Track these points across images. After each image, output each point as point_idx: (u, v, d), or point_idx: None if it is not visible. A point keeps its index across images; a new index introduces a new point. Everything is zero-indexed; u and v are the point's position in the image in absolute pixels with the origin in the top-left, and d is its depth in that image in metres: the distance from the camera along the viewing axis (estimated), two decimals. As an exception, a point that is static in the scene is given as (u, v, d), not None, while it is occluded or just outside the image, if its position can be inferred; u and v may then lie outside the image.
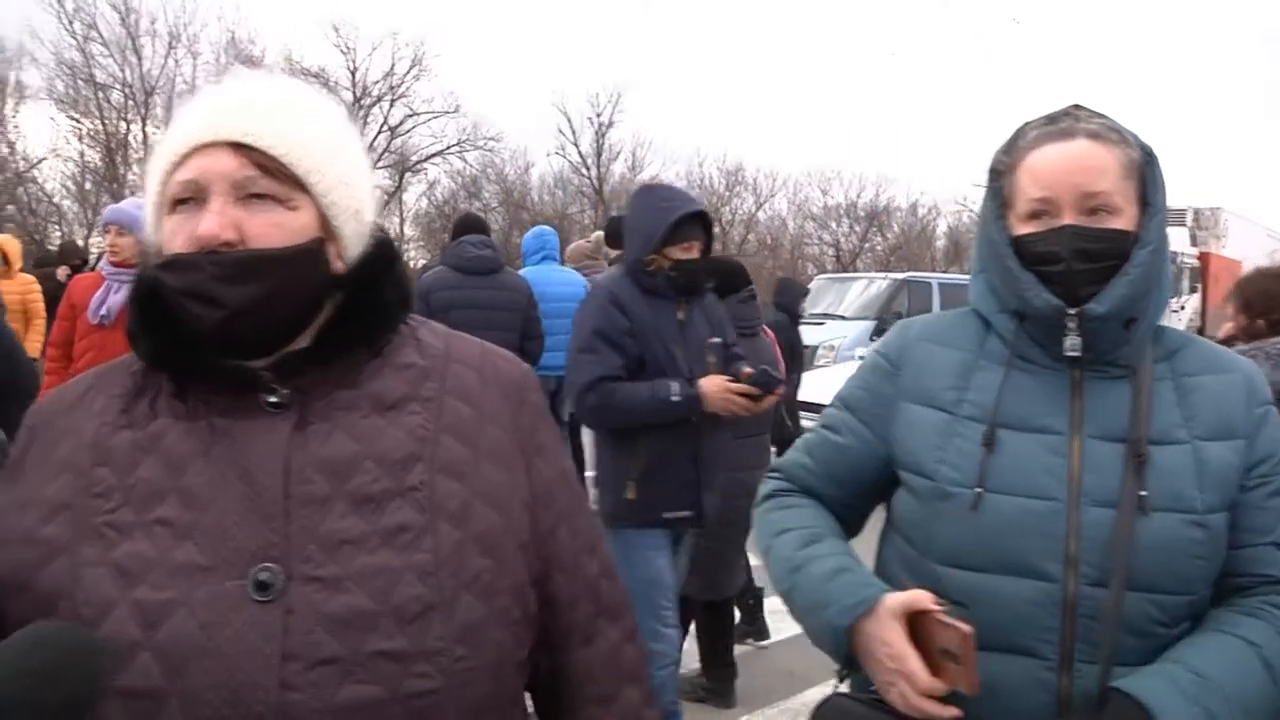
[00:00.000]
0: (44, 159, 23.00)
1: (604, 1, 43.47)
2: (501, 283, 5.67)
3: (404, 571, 1.01)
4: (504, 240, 27.70)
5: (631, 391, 3.21)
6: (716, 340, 3.40)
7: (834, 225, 36.24)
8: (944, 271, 26.35)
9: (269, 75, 1.20)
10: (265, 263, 1.04)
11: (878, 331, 13.15)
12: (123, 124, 23.76)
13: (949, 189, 35.06)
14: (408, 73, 26.56)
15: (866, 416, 1.59)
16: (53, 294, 7.36)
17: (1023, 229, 1.46)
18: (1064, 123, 1.46)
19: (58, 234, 22.22)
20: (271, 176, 1.06)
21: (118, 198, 23.20)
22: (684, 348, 3.33)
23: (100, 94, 23.25)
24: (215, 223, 1.02)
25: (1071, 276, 1.42)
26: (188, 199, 1.06)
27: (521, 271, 6.43)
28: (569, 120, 29.83)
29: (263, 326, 1.06)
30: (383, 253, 1.16)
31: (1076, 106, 1.49)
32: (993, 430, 1.44)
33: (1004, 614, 1.39)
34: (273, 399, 1.06)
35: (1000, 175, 1.51)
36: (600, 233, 7.33)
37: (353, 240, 1.13)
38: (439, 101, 27.78)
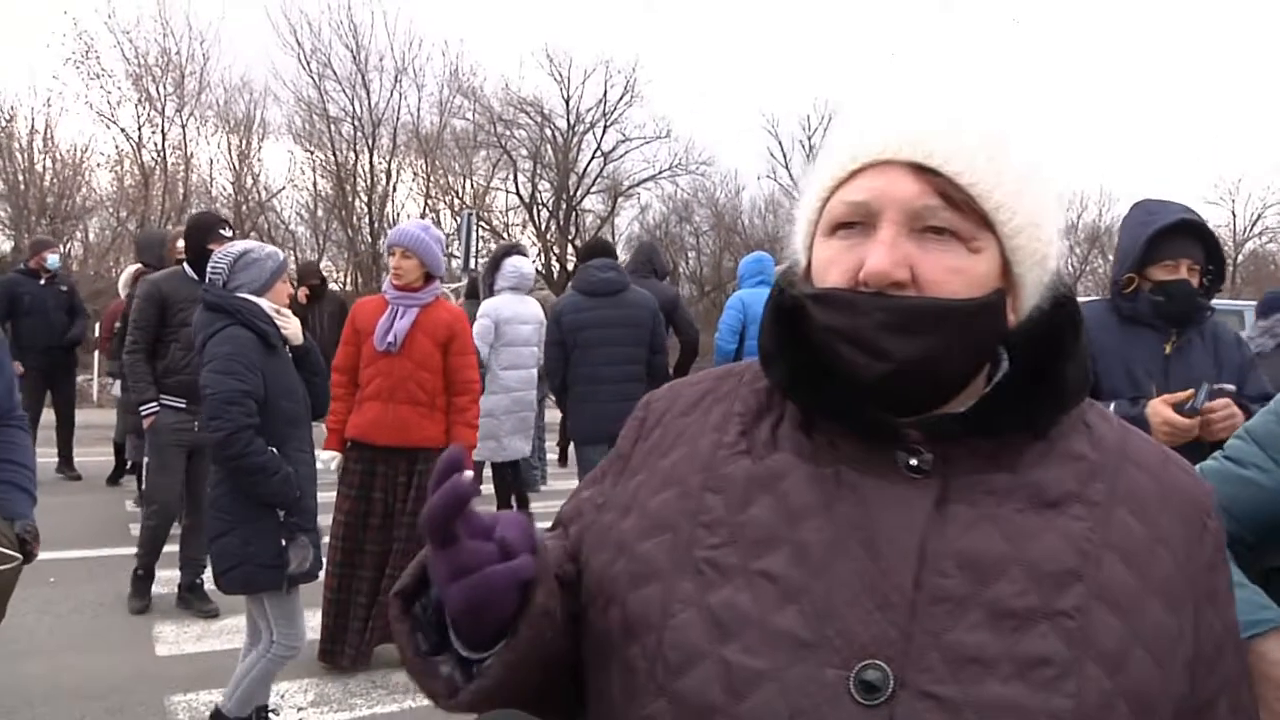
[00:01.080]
0: (282, 189, 24.66)
1: (812, 24, 43.01)
2: (627, 301, 5.93)
3: (1037, 715, 0.81)
4: (715, 263, 27.78)
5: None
6: (1221, 386, 2.73)
7: (1052, 247, 34.55)
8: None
9: (958, 84, 0.99)
10: (944, 315, 0.89)
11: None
12: (352, 155, 25.15)
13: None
14: (620, 99, 26.77)
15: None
16: (295, 313, 7.75)
17: None
18: None
19: (292, 258, 23.66)
20: (956, 210, 0.90)
21: (346, 224, 24.77)
22: (1166, 388, 2.77)
23: (333, 127, 24.71)
24: (887, 258, 0.88)
25: None
26: (853, 223, 0.93)
27: (736, 294, 6.95)
28: (779, 143, 29.51)
29: (926, 385, 0.91)
30: (1070, 317, 0.97)
31: None
32: None
33: None
34: (913, 461, 0.91)
35: None
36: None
37: (1032, 291, 0.96)
38: (650, 127, 27.76)
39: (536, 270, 8.36)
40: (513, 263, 7.10)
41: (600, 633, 0.97)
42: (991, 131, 0.93)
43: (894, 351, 0.88)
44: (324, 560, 4.27)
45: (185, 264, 5.55)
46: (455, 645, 0.91)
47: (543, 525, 1.00)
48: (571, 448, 7.43)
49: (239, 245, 4.03)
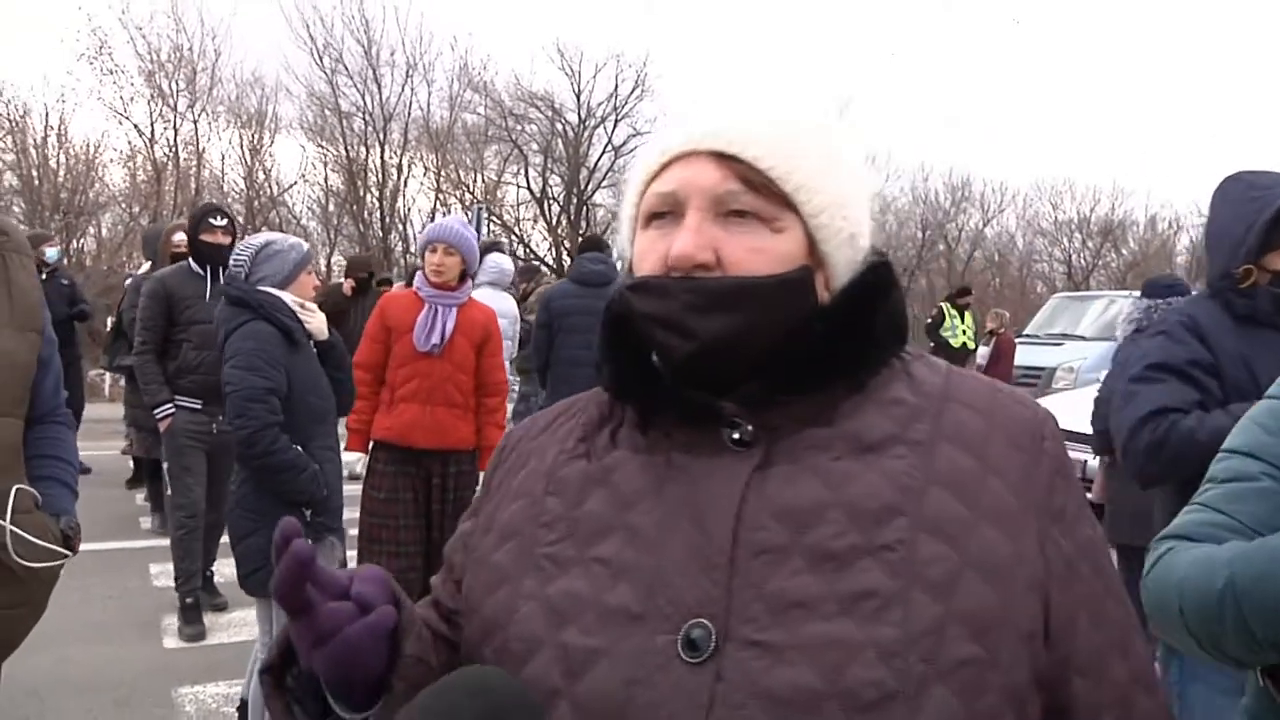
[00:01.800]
0: (294, 184, 24.74)
1: (823, 17, 42.98)
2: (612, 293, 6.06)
3: (863, 647, 0.83)
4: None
5: (1216, 425, 2.17)
6: None
7: (1065, 241, 34.39)
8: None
9: (760, 86, 1.07)
10: (745, 292, 0.93)
11: (1122, 352, 12.39)
12: (363, 150, 25.21)
13: (1191, 201, 32.70)
14: (631, 93, 26.73)
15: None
16: (334, 308, 7.72)
17: None
18: None
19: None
20: (756, 193, 0.95)
21: (358, 219, 24.84)
22: None
23: (344, 122, 24.76)
24: (691, 242, 0.93)
25: None
26: (664, 213, 0.98)
27: None
28: (788, 136, 29.50)
29: (735, 361, 0.95)
30: (879, 278, 1.01)
31: None
32: None
33: None
34: (736, 435, 0.95)
35: None
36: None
37: (844, 269, 1.00)
38: (661, 121, 27.81)
39: (546, 264, 8.50)
40: (493, 259, 7.20)
41: (466, 642, 1.02)
42: (789, 121, 1.00)
43: (699, 330, 0.93)
44: (348, 561, 4.23)
45: (190, 259, 5.43)
46: (336, 710, 0.93)
47: None
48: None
49: (261, 237, 3.91)
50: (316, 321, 3.84)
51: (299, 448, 3.61)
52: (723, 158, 0.96)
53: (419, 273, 4.70)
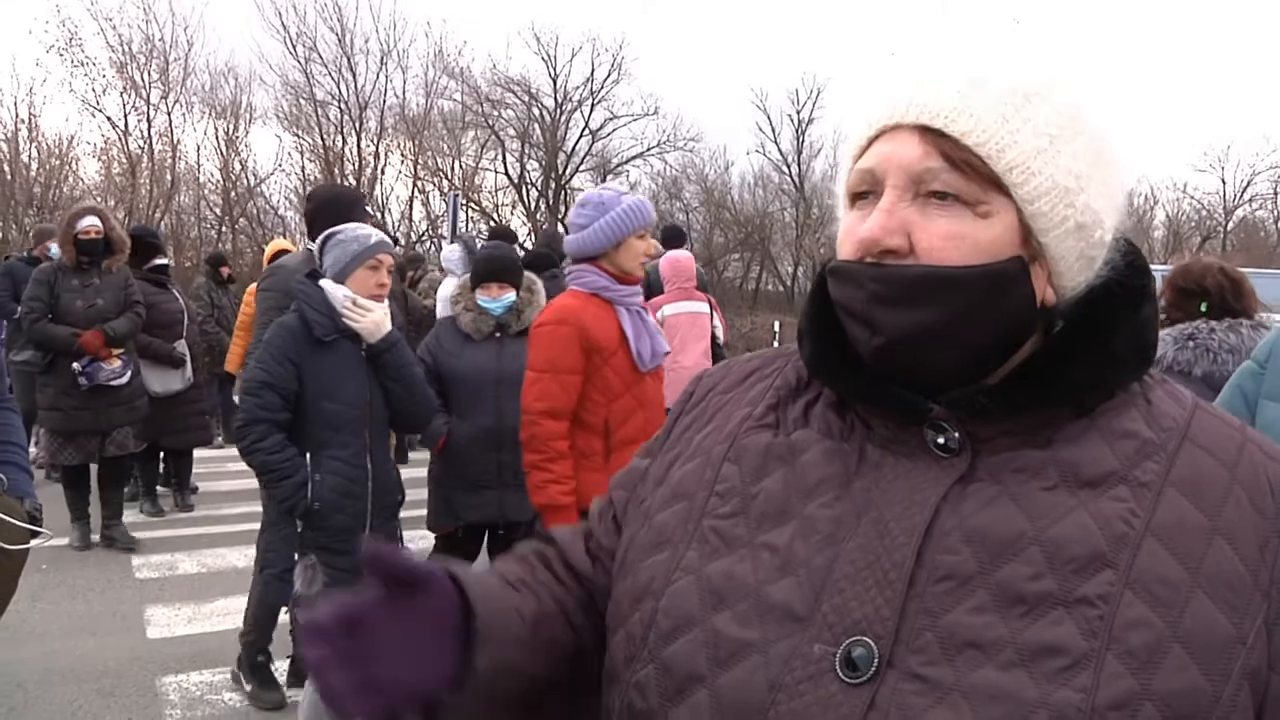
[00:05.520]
0: (270, 174, 24.60)
1: (802, 7, 42.92)
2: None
3: (1037, 709, 0.74)
4: (706, 240, 27.75)
5: None
6: None
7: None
8: (1164, 263, 24.72)
9: (988, 37, 0.91)
10: (937, 283, 0.82)
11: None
12: (339, 138, 25.10)
13: (1166, 174, 32.95)
14: (607, 77, 26.69)
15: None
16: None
17: None
18: None
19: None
20: (959, 171, 0.83)
21: (335, 208, 24.62)
22: None
23: (320, 111, 24.64)
24: (879, 224, 0.84)
25: None
26: (865, 193, 0.88)
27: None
28: (768, 118, 29.36)
29: (936, 359, 0.85)
30: (1125, 287, 0.89)
31: None
32: None
33: None
34: (941, 440, 0.86)
35: None
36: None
37: (1072, 265, 0.87)
38: (638, 104, 27.55)
39: (525, 249, 8.55)
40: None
41: (615, 600, 0.96)
42: (1012, 88, 0.85)
43: (883, 324, 0.84)
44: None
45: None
46: None
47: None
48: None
49: (342, 225, 3.63)
50: (366, 322, 3.48)
51: (301, 453, 3.48)
52: (927, 131, 0.84)
53: (592, 273, 3.29)
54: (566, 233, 3.47)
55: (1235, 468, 0.84)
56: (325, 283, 3.46)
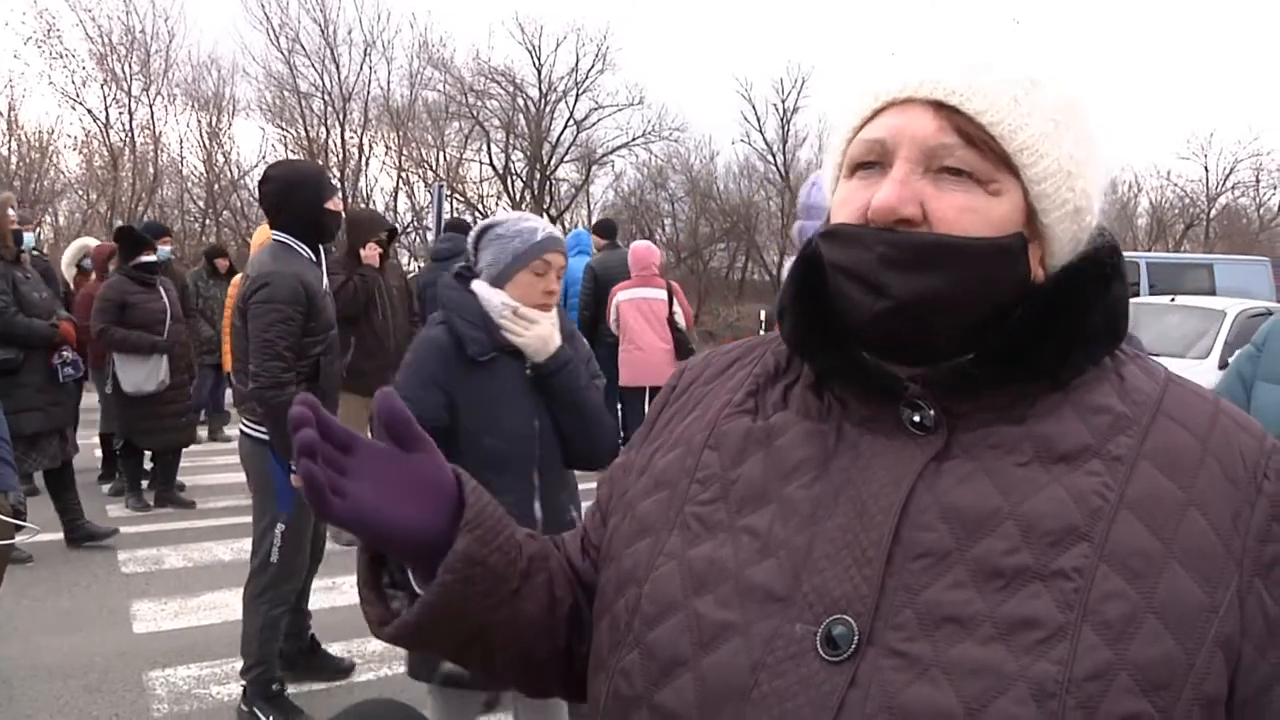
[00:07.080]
0: (255, 166, 24.47)
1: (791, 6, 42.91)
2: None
3: (1016, 680, 0.75)
4: (691, 229, 27.74)
5: None
6: None
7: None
8: (1148, 250, 24.83)
9: (998, 22, 0.93)
10: (954, 252, 0.83)
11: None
12: (323, 130, 24.98)
13: (1150, 162, 33.15)
14: (592, 67, 26.55)
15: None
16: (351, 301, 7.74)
17: None
18: None
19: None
20: (974, 149, 0.84)
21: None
22: None
23: (303, 103, 24.52)
24: (895, 193, 0.84)
25: None
26: (871, 163, 0.88)
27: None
28: (753, 107, 29.35)
29: (928, 329, 0.86)
30: (1099, 265, 0.90)
31: None
32: None
33: None
34: (916, 418, 0.87)
35: None
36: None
37: (1064, 245, 0.89)
38: (623, 94, 27.61)
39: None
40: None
41: (600, 589, 0.98)
42: (1024, 72, 0.87)
43: (893, 287, 0.83)
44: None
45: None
46: (413, 583, 0.93)
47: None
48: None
49: (498, 215, 2.87)
50: (530, 336, 2.72)
51: None
52: (941, 107, 0.85)
53: None
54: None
55: (1208, 439, 0.86)
56: (478, 285, 2.74)
